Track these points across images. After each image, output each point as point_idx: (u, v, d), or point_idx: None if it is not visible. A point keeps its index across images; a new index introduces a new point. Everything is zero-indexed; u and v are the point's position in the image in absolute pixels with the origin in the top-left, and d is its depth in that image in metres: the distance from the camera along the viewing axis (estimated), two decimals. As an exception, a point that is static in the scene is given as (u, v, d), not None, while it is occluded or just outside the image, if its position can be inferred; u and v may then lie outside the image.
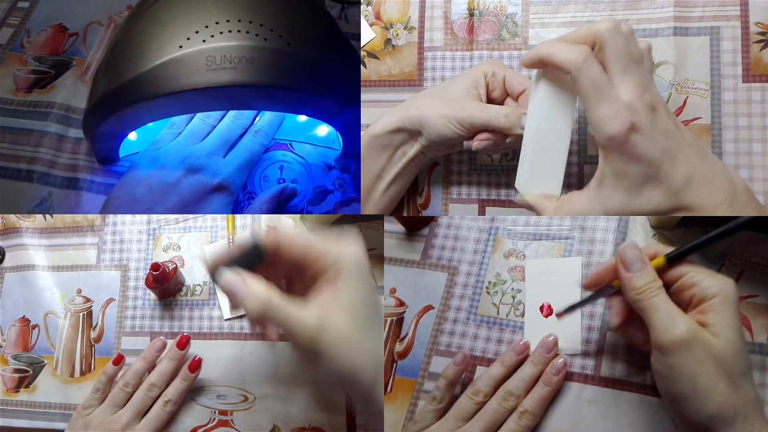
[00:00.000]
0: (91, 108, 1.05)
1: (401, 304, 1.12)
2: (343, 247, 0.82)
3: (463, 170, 1.15)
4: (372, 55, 1.21)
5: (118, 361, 1.12)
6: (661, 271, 0.85)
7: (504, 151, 1.08)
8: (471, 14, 1.18)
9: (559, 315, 0.98)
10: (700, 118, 1.09)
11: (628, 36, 0.83)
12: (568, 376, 0.98)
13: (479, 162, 1.15)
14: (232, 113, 1.18)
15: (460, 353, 1.00)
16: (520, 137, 0.95)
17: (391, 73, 1.20)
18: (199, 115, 1.17)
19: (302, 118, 1.22)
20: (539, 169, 0.94)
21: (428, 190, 1.16)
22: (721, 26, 1.10)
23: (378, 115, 1.10)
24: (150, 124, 1.14)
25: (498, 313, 1.08)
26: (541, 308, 1.06)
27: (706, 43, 1.10)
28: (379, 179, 1.06)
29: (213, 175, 1.09)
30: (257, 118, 1.20)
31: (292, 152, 1.21)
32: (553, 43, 0.87)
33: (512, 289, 1.09)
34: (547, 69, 0.90)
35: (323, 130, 1.20)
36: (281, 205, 1.13)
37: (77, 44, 1.34)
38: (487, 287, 1.10)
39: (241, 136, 1.17)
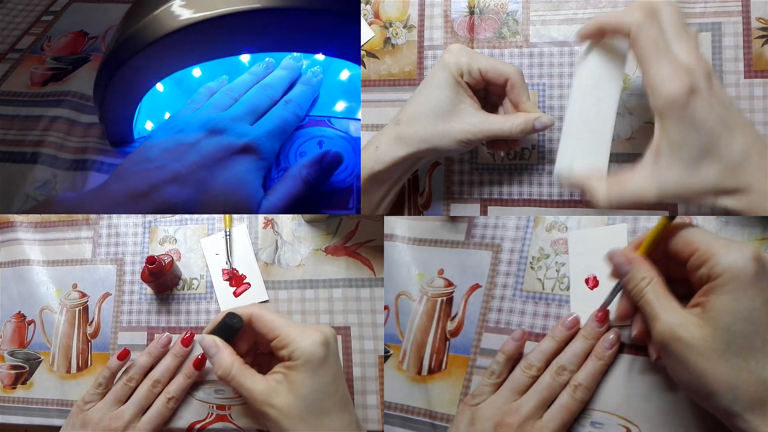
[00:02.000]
0: (102, 66, 1.03)
1: (450, 284, 1.13)
2: (301, 342, 0.93)
3: (465, 169, 1.14)
4: (371, 54, 1.20)
5: (123, 356, 1.10)
6: (669, 232, 0.85)
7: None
8: (471, 12, 1.18)
9: (604, 309, 0.97)
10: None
11: (678, 9, 0.83)
12: (619, 348, 0.97)
13: (480, 161, 1.14)
14: (258, 85, 1.15)
15: (519, 330, 1.02)
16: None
17: (390, 73, 1.19)
18: (222, 89, 1.15)
19: (341, 106, 1.21)
20: (585, 145, 0.92)
21: (429, 189, 1.15)
22: (722, 22, 1.09)
23: (378, 115, 1.13)
24: (168, 117, 1.15)
25: (543, 288, 1.07)
26: (587, 281, 1.04)
27: (708, 39, 1.09)
28: (381, 202, 1.06)
29: (239, 137, 1.04)
30: (288, 91, 1.18)
31: (332, 128, 1.18)
32: (604, 15, 0.89)
33: (556, 263, 1.08)
34: (599, 41, 0.91)
35: (366, 113, 1.18)
36: (325, 172, 1.07)
37: (97, 44, 1.37)
38: (531, 263, 1.10)
39: (270, 107, 1.14)
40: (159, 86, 1.16)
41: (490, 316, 1.08)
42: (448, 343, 1.09)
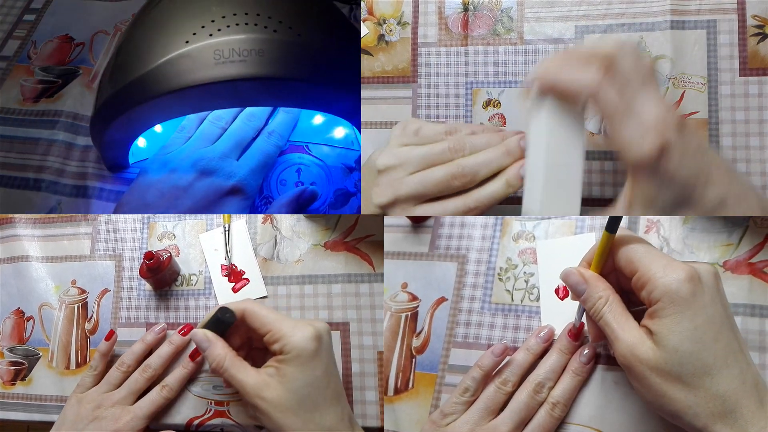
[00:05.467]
0: (97, 112, 1.05)
1: (414, 298, 1.11)
2: (292, 337, 0.93)
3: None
4: (365, 51, 1.20)
5: (110, 336, 1.12)
6: (612, 247, 0.83)
7: None
8: (465, 9, 1.18)
9: (574, 329, 0.95)
10: (697, 112, 1.08)
11: (637, 52, 0.80)
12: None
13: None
14: (243, 115, 1.17)
15: (502, 344, 0.96)
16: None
17: (384, 70, 1.19)
18: (209, 117, 1.16)
19: (318, 120, 1.21)
20: (555, 193, 0.87)
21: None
22: (718, 19, 1.09)
23: (372, 113, 1.15)
24: (159, 130, 1.16)
25: (512, 300, 1.06)
26: (557, 291, 1.03)
27: (703, 37, 1.09)
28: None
29: (227, 178, 1.08)
30: (270, 120, 1.19)
31: (309, 154, 1.19)
32: (558, 67, 0.83)
33: (524, 273, 1.07)
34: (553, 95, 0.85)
35: (341, 131, 1.19)
36: (301, 208, 1.12)
37: (84, 53, 1.35)
38: (498, 274, 1.08)
39: (254, 138, 1.16)
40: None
41: (458, 331, 1.07)
42: (414, 360, 1.07)
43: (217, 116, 1.16)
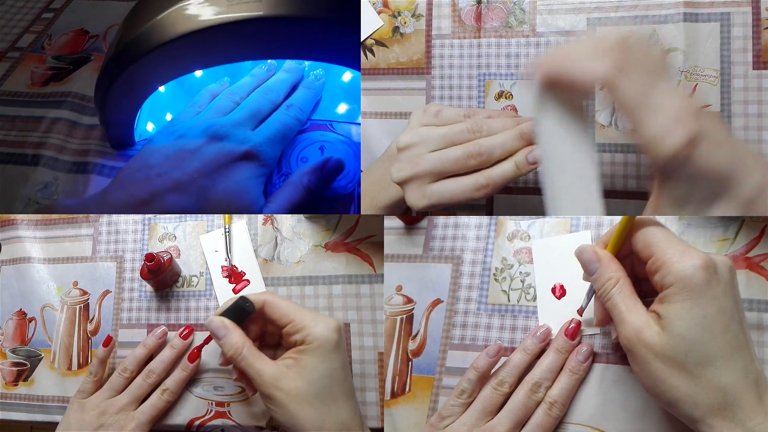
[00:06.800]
0: (102, 72, 1.03)
1: (409, 300, 1.10)
2: (315, 327, 0.93)
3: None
4: (380, 42, 1.21)
5: (108, 342, 1.11)
6: (632, 230, 0.83)
7: None
8: (478, 2, 1.18)
9: (581, 311, 0.95)
10: (710, 105, 1.07)
11: (648, 42, 0.78)
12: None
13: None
14: (260, 89, 1.16)
15: (496, 344, 0.96)
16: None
17: (399, 61, 1.20)
18: (223, 92, 1.15)
19: (342, 108, 1.21)
20: (571, 192, 0.83)
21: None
22: (731, 12, 1.08)
23: (386, 103, 1.17)
24: (169, 118, 1.16)
25: (509, 300, 1.04)
26: (553, 290, 1.02)
27: (717, 30, 1.08)
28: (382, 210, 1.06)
29: (240, 143, 1.04)
30: (290, 95, 1.18)
31: (334, 132, 1.17)
32: (564, 57, 0.77)
33: (520, 273, 1.05)
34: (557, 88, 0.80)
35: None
36: (326, 180, 1.08)
37: (97, 43, 1.36)
38: (494, 274, 1.07)
39: (272, 113, 1.14)
40: (160, 87, 1.14)
41: (454, 333, 1.05)
42: (410, 363, 1.06)
43: (232, 91, 1.16)
